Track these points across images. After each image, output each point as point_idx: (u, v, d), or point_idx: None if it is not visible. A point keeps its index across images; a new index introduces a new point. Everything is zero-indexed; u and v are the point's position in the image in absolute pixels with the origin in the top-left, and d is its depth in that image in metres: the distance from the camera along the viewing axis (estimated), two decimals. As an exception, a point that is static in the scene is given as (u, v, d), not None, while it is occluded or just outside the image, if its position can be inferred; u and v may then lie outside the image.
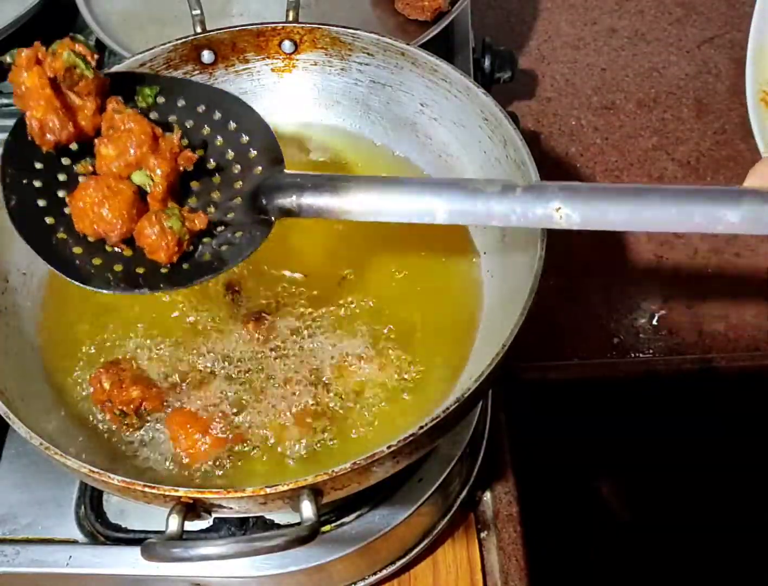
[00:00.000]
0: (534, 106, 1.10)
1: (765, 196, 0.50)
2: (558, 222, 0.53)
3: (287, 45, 0.74)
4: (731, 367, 0.86)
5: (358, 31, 0.72)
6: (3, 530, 0.68)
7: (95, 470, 0.50)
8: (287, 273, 0.68)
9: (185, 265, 0.55)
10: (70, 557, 0.67)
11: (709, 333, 0.90)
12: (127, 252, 0.55)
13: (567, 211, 0.53)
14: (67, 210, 0.55)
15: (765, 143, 0.99)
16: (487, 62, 1.00)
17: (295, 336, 0.65)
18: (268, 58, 0.75)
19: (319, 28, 0.73)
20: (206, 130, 0.60)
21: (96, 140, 0.55)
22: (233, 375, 0.63)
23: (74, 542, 0.68)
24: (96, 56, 0.55)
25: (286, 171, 0.59)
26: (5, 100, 0.96)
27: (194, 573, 0.66)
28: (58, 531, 0.68)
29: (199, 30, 0.73)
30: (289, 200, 0.57)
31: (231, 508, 0.50)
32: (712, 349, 0.89)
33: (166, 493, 0.49)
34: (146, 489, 0.49)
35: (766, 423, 0.90)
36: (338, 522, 0.67)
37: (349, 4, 0.93)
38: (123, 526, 0.68)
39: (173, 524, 0.48)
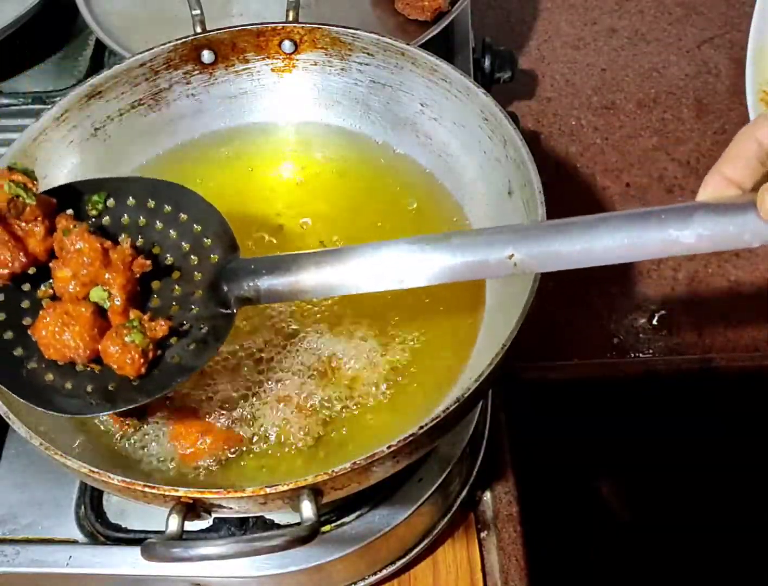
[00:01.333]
0: (534, 106, 1.10)
1: (716, 210, 0.48)
2: (514, 269, 0.52)
3: (287, 45, 0.74)
4: (731, 367, 0.86)
5: (358, 31, 0.72)
6: (3, 530, 0.68)
7: (95, 470, 0.50)
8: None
9: (156, 372, 0.54)
10: (70, 557, 0.67)
11: (709, 333, 0.90)
12: (98, 369, 0.54)
13: (520, 257, 0.52)
14: (34, 338, 0.54)
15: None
16: (487, 62, 1.00)
17: (295, 334, 0.65)
18: (268, 58, 0.75)
19: (319, 28, 0.73)
20: (159, 225, 0.59)
21: (51, 263, 0.55)
22: (234, 374, 0.63)
23: (74, 542, 0.68)
24: (36, 183, 0.55)
25: (241, 258, 0.58)
26: (5, 100, 0.96)
27: (194, 573, 0.66)
28: (58, 531, 0.68)
29: (199, 30, 0.73)
30: (246, 287, 0.56)
31: (231, 508, 0.50)
32: (712, 349, 0.89)
33: (166, 493, 0.49)
34: (146, 489, 0.49)
35: (766, 423, 0.90)
36: (338, 522, 0.67)
37: (349, 4, 0.93)
38: (123, 526, 0.68)
39: (173, 524, 0.48)
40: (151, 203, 0.59)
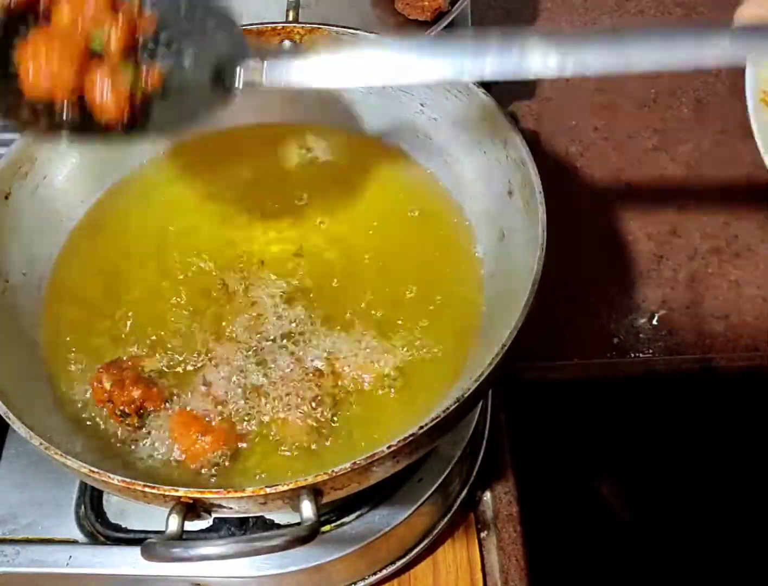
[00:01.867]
0: (534, 106, 1.10)
1: (755, 26, 0.48)
2: (546, 69, 0.51)
3: (287, 45, 0.74)
4: (731, 367, 0.86)
5: (358, 31, 0.72)
6: (3, 530, 0.68)
7: (95, 470, 0.50)
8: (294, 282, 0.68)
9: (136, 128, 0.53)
10: (70, 557, 0.67)
11: (709, 333, 0.90)
12: (75, 114, 0.52)
13: (555, 59, 0.51)
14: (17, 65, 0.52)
15: (765, 143, 0.99)
16: (487, 62, 1.00)
17: (295, 333, 0.65)
18: (268, 58, 0.75)
19: (319, 28, 0.73)
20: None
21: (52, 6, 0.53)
22: (234, 374, 0.63)
23: (74, 542, 0.68)
24: None
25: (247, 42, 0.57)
26: (5, 100, 0.96)
27: (194, 573, 0.66)
28: (58, 531, 0.68)
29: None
30: (252, 65, 0.56)
31: (231, 508, 0.50)
32: (712, 349, 0.89)
33: (166, 493, 0.49)
34: (146, 489, 0.49)
35: (766, 423, 0.90)
36: (338, 522, 0.67)
37: (349, 4, 0.93)
38: (123, 526, 0.69)
39: (173, 524, 0.49)
40: None
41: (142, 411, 0.61)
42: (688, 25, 0.49)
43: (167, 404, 0.61)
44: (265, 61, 0.56)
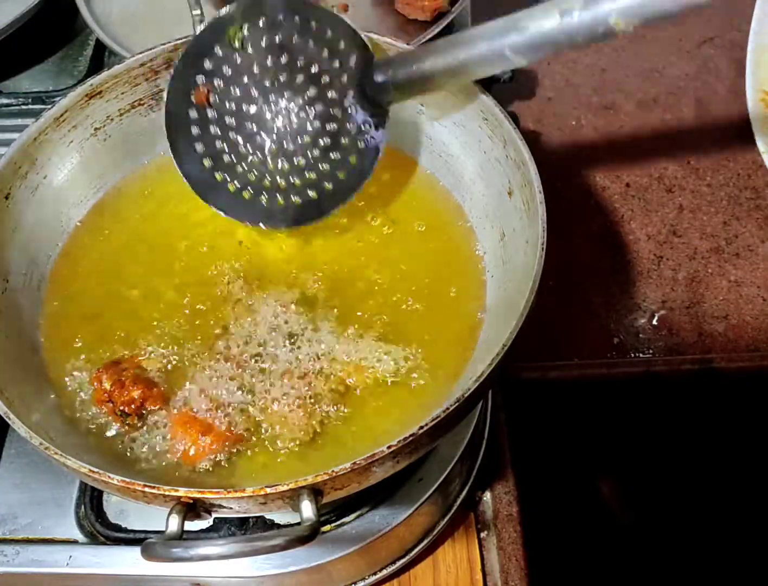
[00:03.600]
0: (534, 106, 1.10)
1: None
2: (622, 31, 0.52)
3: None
4: (731, 367, 0.86)
5: (358, 31, 0.72)
6: (3, 530, 0.68)
7: (95, 470, 0.50)
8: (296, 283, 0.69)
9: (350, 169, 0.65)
10: (70, 557, 0.67)
11: (709, 333, 0.90)
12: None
13: (625, 19, 0.51)
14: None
15: (765, 143, 0.99)
16: (487, 62, 1.00)
17: (296, 334, 0.65)
18: (268, 58, 0.75)
19: (319, 28, 0.73)
20: (295, 36, 0.65)
21: None
22: (234, 374, 0.63)
23: (74, 542, 0.68)
24: None
25: (377, 58, 0.65)
26: (5, 100, 0.96)
27: (194, 573, 0.66)
28: (58, 531, 0.68)
29: (199, 30, 0.73)
30: (387, 80, 0.63)
31: (231, 508, 0.50)
32: (712, 349, 0.89)
33: (166, 493, 0.49)
34: (146, 489, 0.49)
35: (766, 423, 0.90)
36: (338, 522, 0.67)
37: (349, 4, 0.93)
38: (123, 526, 0.69)
39: (173, 524, 0.48)
40: (280, 18, 0.65)
41: (142, 411, 0.61)
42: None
43: (167, 404, 0.61)
44: (396, 73, 0.63)
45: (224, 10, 0.66)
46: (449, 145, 0.72)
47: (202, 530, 0.67)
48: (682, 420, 0.93)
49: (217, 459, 0.59)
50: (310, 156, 0.67)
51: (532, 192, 0.61)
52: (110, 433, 0.61)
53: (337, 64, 0.65)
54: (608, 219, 0.99)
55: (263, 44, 0.66)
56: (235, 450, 0.60)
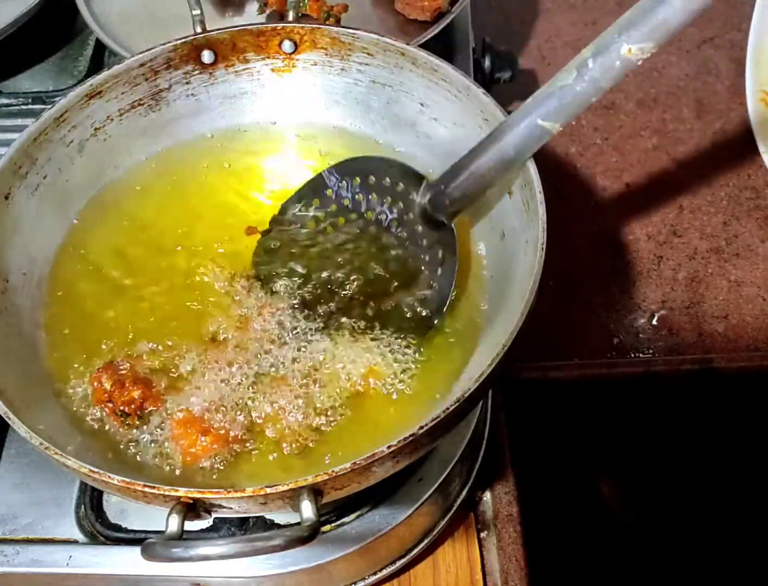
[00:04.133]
0: (534, 106, 1.10)
1: None
2: (639, 58, 0.54)
3: (287, 45, 0.74)
4: (731, 367, 0.86)
5: (358, 31, 0.72)
6: (3, 530, 0.68)
7: (95, 470, 0.50)
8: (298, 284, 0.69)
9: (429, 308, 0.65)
10: (70, 557, 0.67)
11: (709, 333, 0.90)
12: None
13: (637, 45, 0.54)
14: None
15: (765, 143, 0.99)
16: (487, 62, 1.00)
17: (295, 336, 0.65)
18: (268, 58, 0.75)
19: (319, 28, 0.73)
20: (360, 195, 0.70)
21: None
22: (234, 375, 0.63)
23: (74, 542, 0.68)
24: None
25: (428, 182, 0.67)
26: (5, 100, 0.96)
27: (194, 573, 0.66)
28: (58, 531, 0.68)
29: (199, 30, 0.73)
30: (447, 202, 0.65)
31: (231, 508, 0.50)
32: (712, 349, 0.89)
33: (166, 493, 0.49)
34: (146, 489, 0.49)
35: (766, 423, 0.90)
36: (338, 522, 0.67)
37: (349, 4, 0.93)
38: (123, 526, 0.68)
39: (173, 524, 0.48)
40: (347, 179, 0.71)
41: (141, 411, 0.61)
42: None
43: (167, 404, 0.61)
44: (452, 190, 0.65)
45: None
46: (449, 145, 0.72)
47: (202, 530, 0.67)
48: (682, 420, 0.93)
49: (218, 459, 0.59)
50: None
51: (532, 192, 0.61)
52: (110, 433, 0.61)
53: (401, 204, 0.69)
54: (608, 219, 0.99)
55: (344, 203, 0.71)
56: (234, 451, 0.60)
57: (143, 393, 0.61)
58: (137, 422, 0.61)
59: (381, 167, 0.69)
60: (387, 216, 0.69)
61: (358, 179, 0.70)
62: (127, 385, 0.61)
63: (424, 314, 0.66)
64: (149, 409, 0.61)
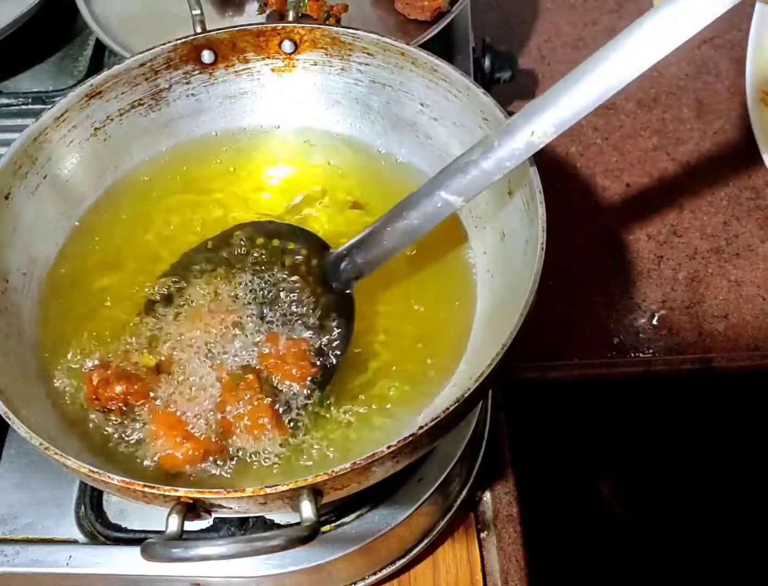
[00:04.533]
0: (534, 106, 1.10)
1: None
2: (541, 142, 0.56)
3: (287, 45, 0.74)
4: (731, 367, 0.86)
5: (358, 31, 0.72)
6: (3, 530, 0.68)
7: (95, 470, 0.50)
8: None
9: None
10: (70, 557, 0.67)
11: (709, 333, 0.90)
12: None
13: (542, 129, 0.56)
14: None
15: (765, 143, 0.99)
16: (487, 62, 1.00)
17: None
18: (268, 58, 0.75)
19: (319, 28, 0.73)
20: (264, 256, 0.68)
21: None
22: (221, 375, 0.62)
23: (74, 542, 0.68)
24: None
25: (332, 250, 0.67)
26: (5, 100, 0.96)
27: (194, 573, 0.66)
28: (58, 531, 0.68)
29: (199, 30, 0.73)
30: (349, 269, 0.65)
31: (231, 508, 0.50)
32: (712, 349, 0.89)
33: (166, 493, 0.49)
34: (146, 489, 0.49)
35: (766, 423, 0.90)
36: (338, 522, 0.67)
37: (349, 4, 0.93)
38: (123, 526, 0.68)
39: (173, 524, 0.48)
40: (259, 240, 0.69)
41: (125, 408, 0.60)
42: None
43: (153, 402, 0.60)
44: (357, 259, 0.65)
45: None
46: (449, 145, 0.72)
47: (202, 530, 0.67)
48: (682, 420, 0.93)
49: (197, 469, 0.59)
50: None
51: (532, 192, 0.61)
52: (105, 432, 0.61)
53: (304, 268, 0.67)
54: (608, 219, 0.99)
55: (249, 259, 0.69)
56: (217, 461, 0.59)
57: (125, 389, 0.60)
58: (122, 419, 0.60)
59: (287, 232, 0.69)
60: (286, 280, 0.67)
61: (261, 240, 0.69)
62: (111, 381, 0.60)
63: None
64: (133, 405, 0.60)
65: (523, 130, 0.57)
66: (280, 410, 0.60)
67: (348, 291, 0.66)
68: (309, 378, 0.61)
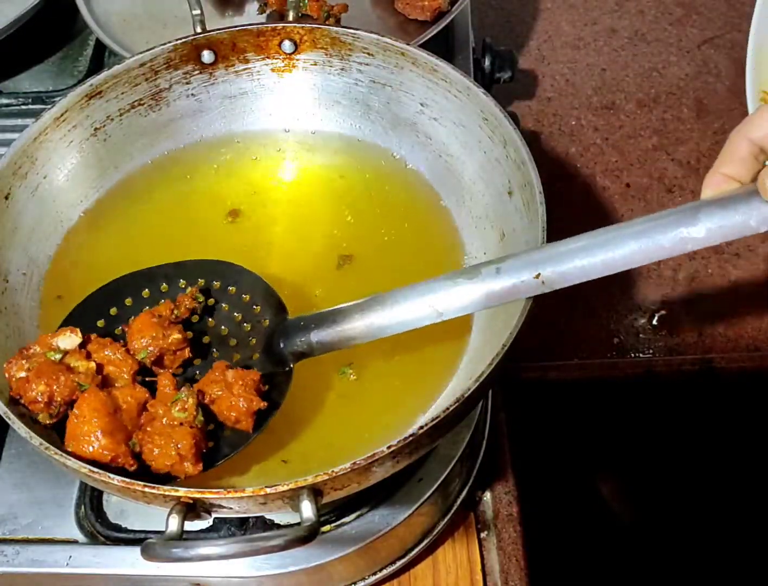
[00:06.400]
0: (534, 106, 1.10)
1: (720, 203, 0.51)
2: (542, 288, 0.55)
3: (287, 45, 0.74)
4: (731, 367, 0.86)
5: (358, 31, 0.72)
6: (3, 530, 0.68)
7: (95, 470, 0.50)
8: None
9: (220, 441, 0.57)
10: (70, 557, 0.67)
11: (709, 333, 0.90)
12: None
13: (547, 275, 0.55)
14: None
15: (765, 143, 0.99)
16: (487, 62, 1.00)
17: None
18: (268, 58, 0.75)
19: (319, 28, 0.73)
20: (211, 301, 0.63)
21: None
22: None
23: (74, 542, 0.68)
24: None
25: (289, 318, 0.62)
26: (5, 100, 0.96)
27: (194, 573, 0.66)
28: (58, 531, 0.68)
29: (199, 30, 0.73)
30: (299, 343, 0.59)
31: (231, 508, 0.50)
32: (712, 349, 0.89)
33: (166, 493, 0.49)
34: (146, 489, 0.49)
35: (766, 423, 0.90)
36: (338, 522, 0.67)
37: (349, 3, 0.93)
38: (123, 526, 0.68)
39: (173, 524, 0.48)
40: (201, 282, 0.63)
41: (52, 405, 0.56)
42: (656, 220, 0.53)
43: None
44: (311, 337, 0.59)
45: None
46: (449, 145, 0.72)
47: (202, 530, 0.67)
48: (682, 420, 0.93)
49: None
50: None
51: (532, 192, 0.61)
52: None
53: (248, 327, 0.62)
54: (608, 219, 0.99)
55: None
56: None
57: (48, 385, 0.55)
58: (48, 419, 0.56)
59: (248, 284, 0.63)
60: (227, 332, 0.62)
61: (202, 281, 0.63)
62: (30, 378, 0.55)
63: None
64: (62, 401, 0.55)
65: (531, 271, 0.55)
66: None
67: (288, 367, 0.60)
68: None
